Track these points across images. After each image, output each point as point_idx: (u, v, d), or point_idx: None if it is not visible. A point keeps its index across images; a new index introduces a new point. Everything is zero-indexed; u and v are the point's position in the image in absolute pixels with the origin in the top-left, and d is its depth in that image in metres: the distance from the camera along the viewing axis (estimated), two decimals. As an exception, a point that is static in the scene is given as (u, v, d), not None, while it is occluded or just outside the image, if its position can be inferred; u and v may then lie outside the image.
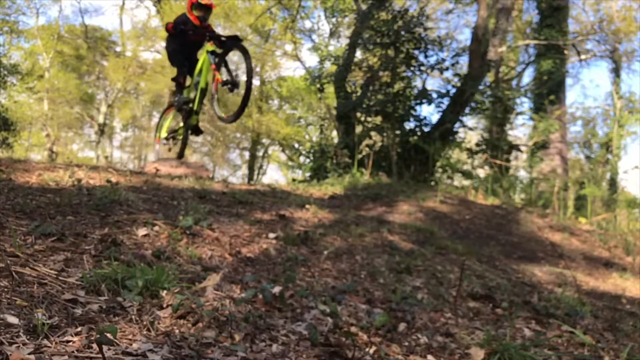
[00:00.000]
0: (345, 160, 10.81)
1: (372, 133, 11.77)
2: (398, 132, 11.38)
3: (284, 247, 3.38)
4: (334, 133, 13.56)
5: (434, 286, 3.32)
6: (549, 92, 13.18)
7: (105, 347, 1.41)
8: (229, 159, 30.29)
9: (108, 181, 4.14)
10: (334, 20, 15.97)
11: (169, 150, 6.74)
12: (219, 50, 5.43)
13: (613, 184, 14.19)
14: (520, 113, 14.13)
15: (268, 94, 24.76)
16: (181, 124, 6.08)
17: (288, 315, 2.17)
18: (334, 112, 13.29)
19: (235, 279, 2.55)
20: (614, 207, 10.11)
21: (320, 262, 3.29)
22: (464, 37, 32.20)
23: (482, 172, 12.02)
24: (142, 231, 2.87)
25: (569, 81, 21.43)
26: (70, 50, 24.34)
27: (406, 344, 2.16)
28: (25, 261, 2.02)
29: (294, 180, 11.20)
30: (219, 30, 16.09)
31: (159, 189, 4.56)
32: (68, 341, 1.47)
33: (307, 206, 4.99)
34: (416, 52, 11.35)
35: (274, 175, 36.73)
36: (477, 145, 12.05)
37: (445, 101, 11.44)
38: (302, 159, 13.55)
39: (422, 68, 11.58)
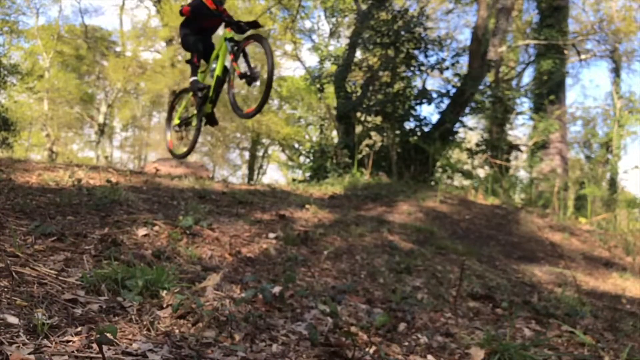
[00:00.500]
0: (345, 160, 10.81)
1: (372, 133, 11.78)
2: (398, 132, 11.39)
3: (284, 247, 3.38)
4: (334, 133, 13.56)
5: (434, 286, 3.32)
6: (549, 92, 13.18)
7: (105, 347, 1.41)
8: (229, 159, 30.30)
9: (108, 181, 4.14)
10: (334, 20, 15.96)
11: (181, 139, 6.41)
12: (237, 38, 5.08)
13: (613, 184, 14.18)
14: (520, 113, 14.14)
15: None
16: (195, 112, 5.68)
17: (288, 315, 2.17)
18: (334, 112, 13.29)
19: (235, 279, 2.55)
20: (614, 207, 10.11)
21: (320, 262, 3.29)
22: (464, 37, 32.17)
23: (482, 172, 12.02)
24: (142, 231, 2.87)
25: (569, 81, 21.42)
26: (70, 50, 24.34)
27: (406, 344, 2.16)
28: (25, 261, 2.02)
29: (294, 180, 11.21)
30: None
31: (159, 189, 4.56)
32: (68, 341, 1.47)
33: (307, 206, 4.99)
34: (416, 52, 11.35)
35: (274, 175, 36.77)
36: (477, 145, 12.06)
37: (445, 101, 11.46)
38: (302, 159, 13.55)
39: (422, 68, 11.59)
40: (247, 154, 28.18)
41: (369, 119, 11.84)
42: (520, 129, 27.62)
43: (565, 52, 14.36)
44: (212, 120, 5.69)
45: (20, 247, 2.12)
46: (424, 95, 11.49)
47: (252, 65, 5.09)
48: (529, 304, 3.29)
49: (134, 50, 24.79)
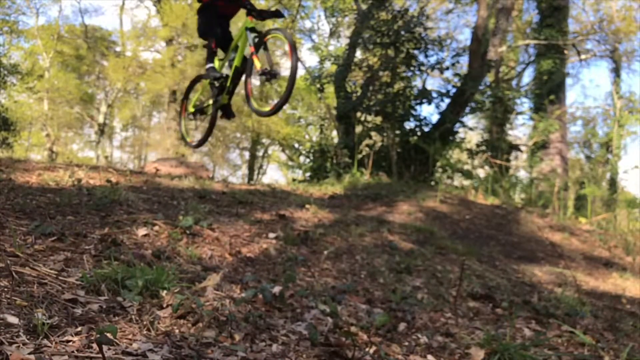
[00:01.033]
0: (345, 160, 10.80)
1: (372, 133, 11.77)
2: (398, 132, 11.38)
3: (284, 247, 3.38)
4: (334, 133, 13.55)
5: (434, 286, 3.32)
6: (549, 92, 13.18)
7: (105, 347, 1.41)
8: (229, 159, 30.29)
9: (108, 181, 4.14)
10: (334, 20, 15.95)
11: (195, 128, 6.16)
12: (259, 28, 4.78)
13: (613, 184, 14.19)
14: (520, 113, 14.14)
15: (268, 94, 24.75)
16: (210, 101, 5.39)
17: (288, 315, 2.17)
18: (334, 112, 13.28)
19: (235, 279, 2.55)
20: (614, 207, 10.11)
21: (320, 262, 3.29)
22: (464, 37, 32.15)
23: (482, 172, 12.01)
24: (142, 231, 2.87)
25: (569, 81, 21.37)
26: (70, 50, 24.33)
27: (406, 344, 2.16)
28: (25, 261, 2.02)
29: (294, 180, 11.21)
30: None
31: (159, 188, 4.56)
32: (68, 341, 1.47)
33: (307, 206, 4.99)
34: (416, 52, 11.34)
35: (274, 175, 36.77)
36: (477, 145, 12.06)
37: (445, 101, 11.46)
38: (302, 159, 13.54)
39: (422, 68, 11.58)
40: (247, 154, 28.18)
41: (369, 119, 11.84)
42: (520, 129, 27.67)
43: (565, 52, 14.37)
44: (228, 113, 5.38)
45: (20, 247, 2.12)
46: (424, 95, 11.48)
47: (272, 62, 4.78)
48: (529, 304, 3.29)
49: (134, 50, 24.78)
